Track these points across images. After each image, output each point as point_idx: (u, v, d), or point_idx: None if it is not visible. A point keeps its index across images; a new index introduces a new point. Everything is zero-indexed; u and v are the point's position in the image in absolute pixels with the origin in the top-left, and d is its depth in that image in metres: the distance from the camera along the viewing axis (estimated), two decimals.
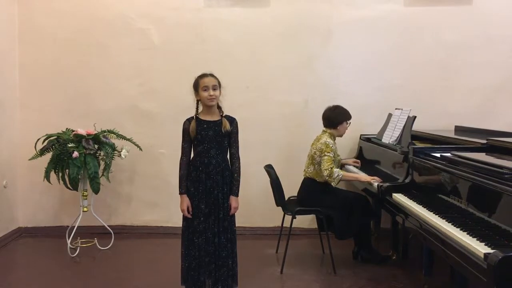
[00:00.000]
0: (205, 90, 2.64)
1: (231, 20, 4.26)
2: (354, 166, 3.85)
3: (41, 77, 4.32)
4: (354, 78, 4.25)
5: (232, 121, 2.73)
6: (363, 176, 3.42)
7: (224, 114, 2.73)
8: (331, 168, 3.32)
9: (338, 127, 3.52)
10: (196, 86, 2.68)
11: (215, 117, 2.70)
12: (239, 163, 2.73)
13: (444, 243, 2.16)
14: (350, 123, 3.58)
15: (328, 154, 3.37)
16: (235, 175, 2.72)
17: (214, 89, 2.64)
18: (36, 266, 3.60)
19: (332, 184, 3.37)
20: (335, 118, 3.52)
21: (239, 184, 2.74)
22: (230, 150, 2.73)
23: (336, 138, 3.58)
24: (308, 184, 3.53)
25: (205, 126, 2.66)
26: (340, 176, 3.32)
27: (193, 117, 2.70)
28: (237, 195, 2.72)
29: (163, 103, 4.30)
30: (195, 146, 2.70)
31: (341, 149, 3.96)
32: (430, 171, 2.74)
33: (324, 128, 3.56)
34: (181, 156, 2.73)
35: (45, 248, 4.06)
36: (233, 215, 2.73)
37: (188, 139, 2.70)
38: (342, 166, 3.85)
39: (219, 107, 2.73)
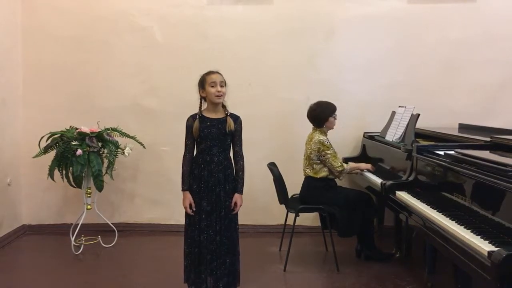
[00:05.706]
0: (213, 86, 2.62)
1: (234, 18, 4.26)
2: (369, 171, 3.65)
3: (44, 75, 4.32)
4: (357, 75, 4.24)
5: (236, 119, 2.72)
6: (363, 165, 3.66)
7: (229, 113, 2.71)
8: (341, 164, 3.43)
9: (325, 124, 3.50)
10: (203, 82, 2.67)
11: (219, 115, 2.69)
12: (243, 161, 2.73)
13: (447, 241, 2.16)
14: (336, 115, 3.51)
15: (329, 152, 3.39)
16: (240, 173, 2.72)
17: (221, 86, 2.63)
18: (40, 264, 3.62)
19: (340, 178, 3.55)
20: (319, 116, 3.49)
21: (243, 182, 2.73)
22: (234, 148, 2.73)
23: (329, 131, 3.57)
24: (310, 182, 3.53)
25: (208, 123, 2.66)
26: (348, 169, 3.52)
27: (197, 114, 2.70)
28: (241, 193, 2.72)
29: (165, 100, 4.30)
30: (198, 143, 2.70)
31: (344, 146, 3.98)
32: (433, 169, 2.73)
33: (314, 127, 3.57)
34: (184, 153, 2.72)
35: (49, 246, 4.07)
36: (236, 213, 2.73)
37: (191, 136, 2.69)
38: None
39: (224, 106, 2.72)
